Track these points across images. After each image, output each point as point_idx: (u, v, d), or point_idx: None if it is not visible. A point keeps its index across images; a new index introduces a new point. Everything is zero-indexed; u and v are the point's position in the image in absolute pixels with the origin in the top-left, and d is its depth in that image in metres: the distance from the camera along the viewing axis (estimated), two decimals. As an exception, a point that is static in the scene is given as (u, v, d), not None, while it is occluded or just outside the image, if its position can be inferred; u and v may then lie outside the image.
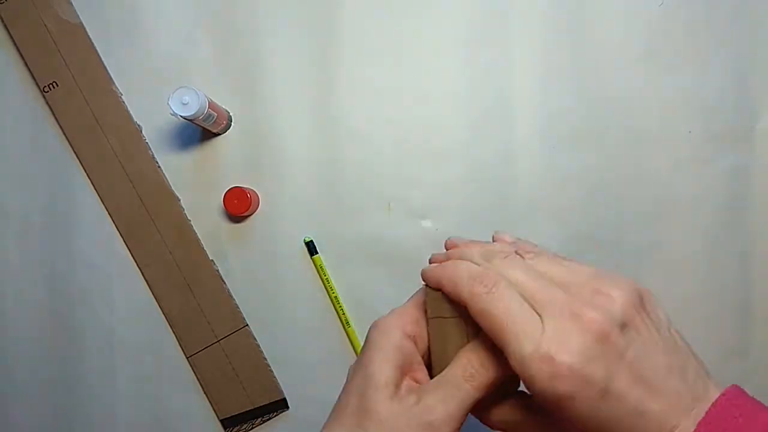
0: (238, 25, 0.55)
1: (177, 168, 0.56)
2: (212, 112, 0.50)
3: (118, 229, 0.55)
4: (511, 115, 0.53)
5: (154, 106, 0.55)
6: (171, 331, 0.55)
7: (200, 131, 0.55)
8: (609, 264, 0.53)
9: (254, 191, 0.54)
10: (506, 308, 0.26)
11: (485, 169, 0.53)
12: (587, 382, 0.24)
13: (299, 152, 0.55)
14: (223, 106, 0.54)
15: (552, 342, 0.25)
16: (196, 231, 0.55)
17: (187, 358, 0.55)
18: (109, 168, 0.55)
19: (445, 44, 0.54)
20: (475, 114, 0.54)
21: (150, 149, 0.55)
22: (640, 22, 0.53)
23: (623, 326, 0.26)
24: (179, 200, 0.55)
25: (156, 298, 0.55)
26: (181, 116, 0.47)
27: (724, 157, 0.53)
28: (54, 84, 0.55)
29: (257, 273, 0.55)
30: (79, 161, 0.55)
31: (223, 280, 0.55)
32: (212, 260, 0.55)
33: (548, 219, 0.53)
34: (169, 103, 0.47)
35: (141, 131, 0.55)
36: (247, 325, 0.55)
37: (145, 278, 0.55)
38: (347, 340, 0.54)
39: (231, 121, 0.55)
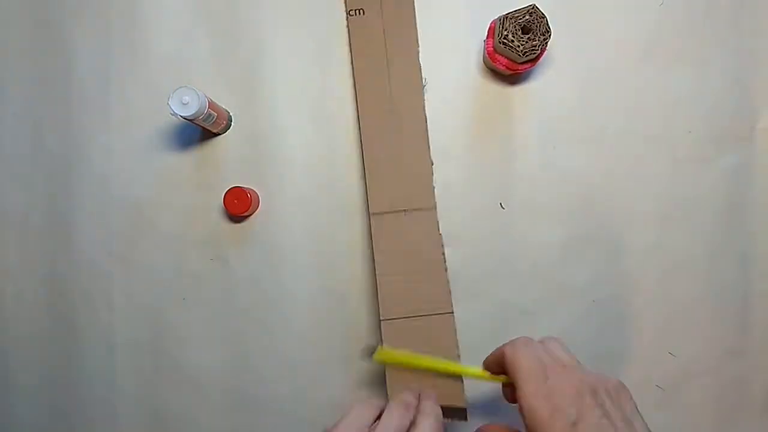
0: (238, 25, 0.55)
1: (177, 168, 0.56)
2: (212, 112, 0.50)
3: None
4: (511, 115, 0.53)
5: (154, 106, 0.55)
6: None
7: (200, 131, 0.55)
8: (609, 264, 0.53)
9: (254, 191, 0.54)
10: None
11: (485, 169, 0.53)
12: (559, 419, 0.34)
13: (299, 152, 0.55)
14: (223, 106, 0.54)
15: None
16: (196, 231, 0.55)
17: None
18: (380, 110, 0.51)
19: (444, 42, 0.54)
20: (474, 114, 0.54)
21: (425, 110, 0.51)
22: (640, 22, 0.53)
23: (573, 424, 0.34)
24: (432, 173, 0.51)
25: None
26: (181, 116, 0.47)
27: (724, 157, 0.53)
28: (360, 11, 0.53)
29: (257, 273, 0.55)
30: (355, 93, 0.52)
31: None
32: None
33: (548, 219, 0.53)
34: (169, 103, 0.47)
35: (424, 87, 0.52)
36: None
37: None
38: (346, 339, 0.54)
39: (231, 121, 0.55)
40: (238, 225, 0.55)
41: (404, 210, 0.50)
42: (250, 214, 0.55)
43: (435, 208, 0.50)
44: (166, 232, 0.56)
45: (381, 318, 0.49)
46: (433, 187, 0.50)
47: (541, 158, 0.53)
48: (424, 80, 0.52)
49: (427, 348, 0.48)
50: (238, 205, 0.52)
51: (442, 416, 0.41)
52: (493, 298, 0.53)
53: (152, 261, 0.56)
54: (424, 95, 0.52)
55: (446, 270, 0.49)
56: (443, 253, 0.50)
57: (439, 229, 0.50)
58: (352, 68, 0.52)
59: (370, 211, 0.50)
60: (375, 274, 0.49)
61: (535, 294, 0.53)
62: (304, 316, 0.54)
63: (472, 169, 0.53)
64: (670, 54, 0.53)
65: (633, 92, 0.53)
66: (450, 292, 0.49)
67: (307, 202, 0.54)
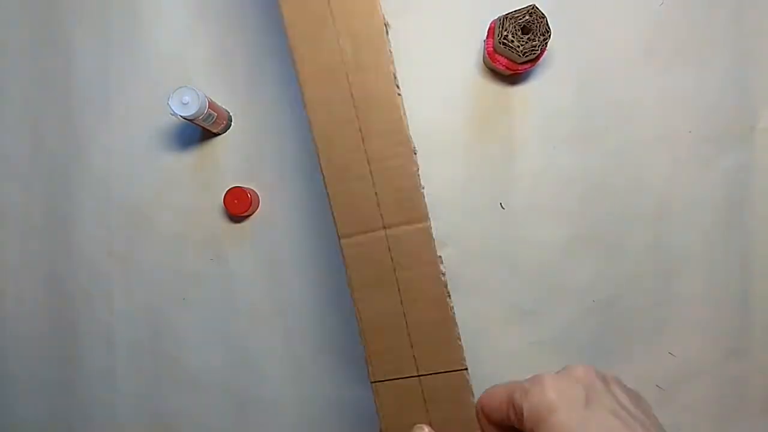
0: (238, 25, 0.55)
1: (177, 168, 0.56)
2: (212, 112, 0.50)
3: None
4: (511, 115, 0.53)
5: (154, 106, 0.55)
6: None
7: (200, 131, 0.55)
8: (609, 264, 0.53)
9: (254, 191, 0.54)
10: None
11: (485, 169, 0.53)
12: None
13: (299, 152, 0.55)
14: (223, 106, 0.54)
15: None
16: (196, 231, 0.55)
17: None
18: (333, 89, 0.39)
19: (444, 42, 0.54)
20: (474, 114, 0.54)
21: (392, 55, 0.38)
22: (640, 22, 0.53)
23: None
24: (413, 147, 0.38)
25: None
26: (181, 116, 0.47)
27: (724, 157, 0.53)
28: None
29: (257, 273, 0.55)
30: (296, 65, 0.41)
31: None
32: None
33: (548, 219, 0.53)
34: (169, 103, 0.47)
35: (387, 32, 0.39)
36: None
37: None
38: (346, 339, 0.54)
39: (231, 121, 0.55)
40: (238, 225, 0.55)
41: (384, 227, 0.37)
42: (250, 214, 0.55)
43: (428, 218, 0.37)
44: (166, 232, 0.56)
45: (372, 380, 0.38)
46: (422, 188, 0.37)
47: (541, 158, 0.53)
48: (386, 26, 0.39)
49: (436, 415, 0.37)
50: (238, 205, 0.52)
51: None
52: (493, 298, 0.53)
53: (152, 261, 0.56)
54: (389, 49, 0.37)
55: (452, 309, 0.37)
56: (446, 286, 0.36)
57: (435, 249, 0.37)
58: (288, 43, 0.40)
59: (338, 232, 0.39)
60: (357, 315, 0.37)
61: (535, 294, 0.53)
62: (304, 316, 0.54)
63: (472, 169, 0.53)
64: (670, 54, 0.53)
65: (633, 92, 0.53)
66: (461, 346, 0.36)
67: (307, 202, 0.55)
